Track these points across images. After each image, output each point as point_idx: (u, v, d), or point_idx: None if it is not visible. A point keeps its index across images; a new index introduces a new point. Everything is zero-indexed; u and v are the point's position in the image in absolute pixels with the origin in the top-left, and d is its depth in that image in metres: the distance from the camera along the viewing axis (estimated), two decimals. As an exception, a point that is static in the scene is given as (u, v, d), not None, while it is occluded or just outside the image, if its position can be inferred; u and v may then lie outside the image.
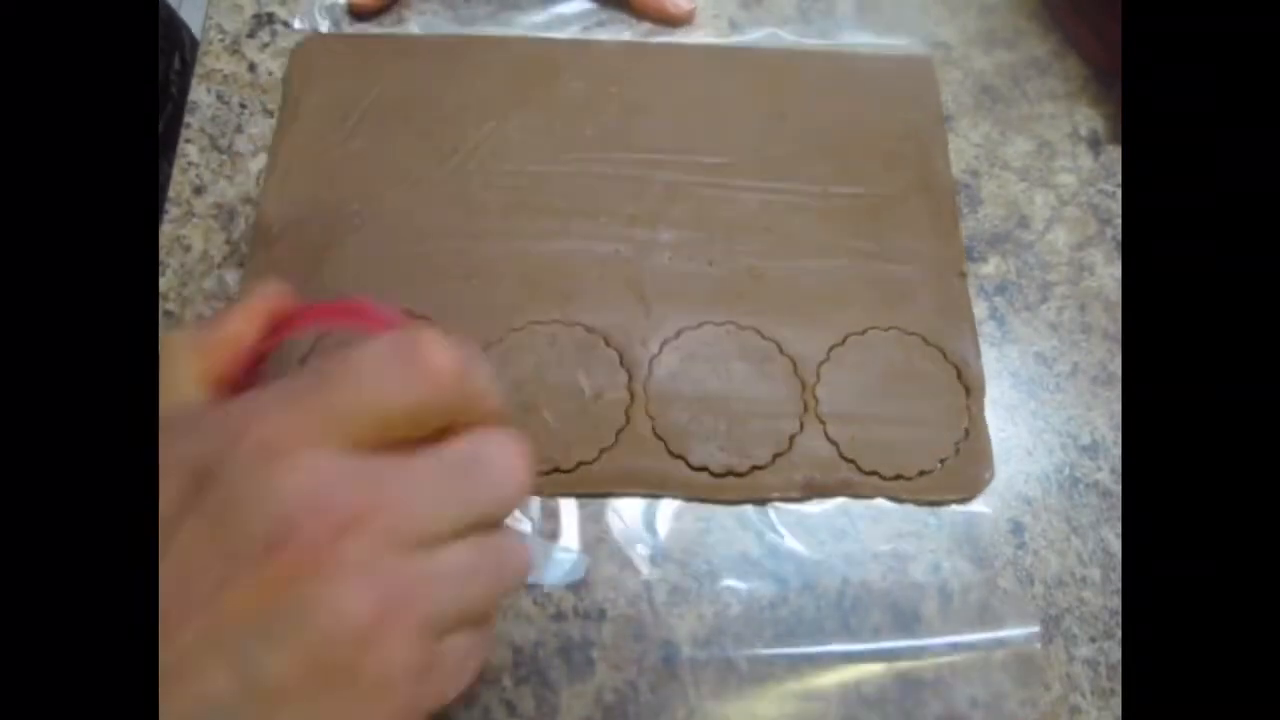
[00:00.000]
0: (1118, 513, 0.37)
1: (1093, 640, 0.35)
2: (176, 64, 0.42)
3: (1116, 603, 0.35)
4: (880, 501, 0.37)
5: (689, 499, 0.36)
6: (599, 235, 0.41)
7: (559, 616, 0.34)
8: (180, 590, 0.19)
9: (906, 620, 0.35)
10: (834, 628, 0.35)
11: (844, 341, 0.39)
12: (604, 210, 0.41)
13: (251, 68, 0.44)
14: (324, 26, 0.46)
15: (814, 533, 0.36)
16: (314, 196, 0.41)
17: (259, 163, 0.42)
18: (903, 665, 0.34)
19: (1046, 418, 0.39)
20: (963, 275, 0.41)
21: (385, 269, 0.39)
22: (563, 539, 0.35)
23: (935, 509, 0.37)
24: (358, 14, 0.45)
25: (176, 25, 0.43)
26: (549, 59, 0.45)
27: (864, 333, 0.39)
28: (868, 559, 0.36)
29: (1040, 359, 0.40)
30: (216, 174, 0.41)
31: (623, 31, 0.46)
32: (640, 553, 0.35)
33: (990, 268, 0.41)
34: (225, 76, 0.44)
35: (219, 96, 0.43)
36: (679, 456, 0.37)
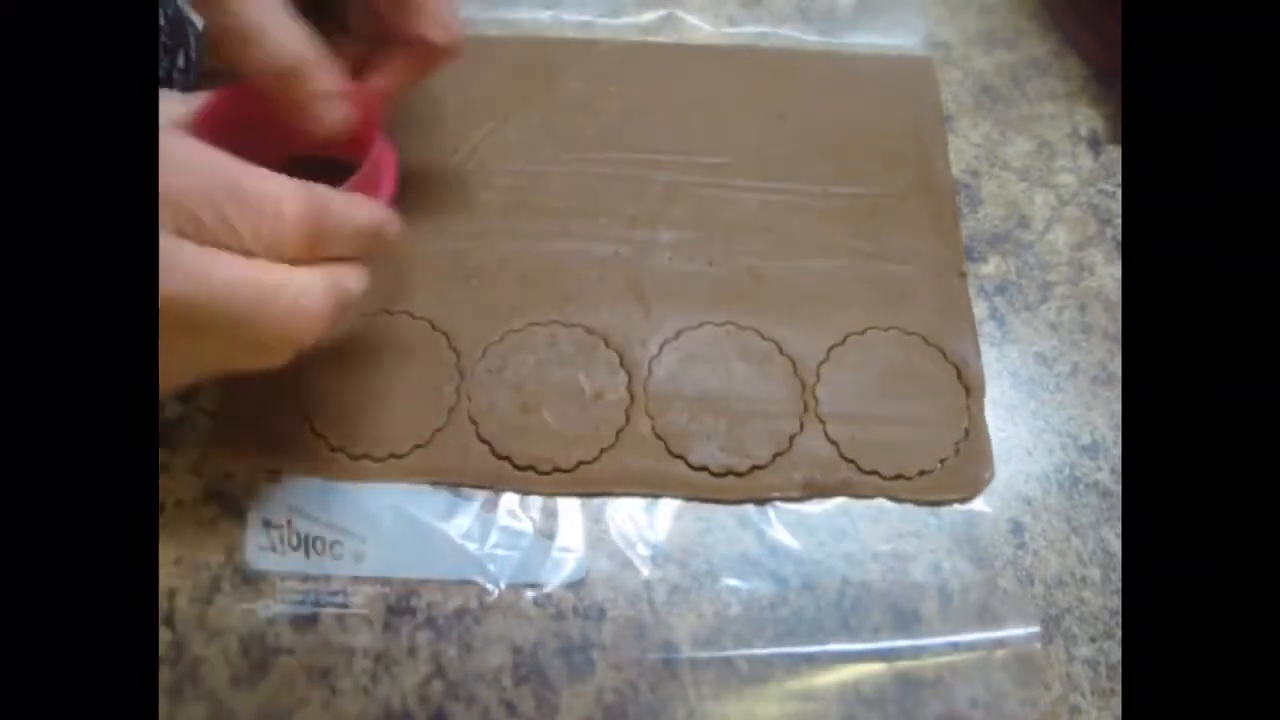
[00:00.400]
0: (1118, 513, 0.37)
1: (1093, 640, 0.35)
2: (181, 61, 0.42)
3: (1116, 603, 0.35)
4: (880, 501, 0.37)
5: (689, 499, 0.36)
6: (599, 235, 0.41)
7: (559, 616, 0.34)
8: None
9: (906, 620, 0.35)
10: (834, 627, 0.35)
11: (844, 341, 0.39)
12: (604, 210, 0.41)
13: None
14: (324, 26, 0.46)
15: (814, 532, 0.36)
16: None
17: (259, 163, 0.42)
18: (902, 665, 0.34)
19: (1046, 418, 0.39)
20: (963, 275, 0.41)
21: None
22: (563, 539, 0.35)
23: (935, 509, 0.37)
24: None
25: (183, 23, 0.43)
26: (549, 59, 0.45)
27: (864, 333, 0.39)
28: (868, 559, 0.36)
29: (1040, 359, 0.40)
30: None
31: (623, 31, 0.46)
32: (640, 553, 0.35)
33: (990, 268, 0.41)
34: (230, 76, 0.44)
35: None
36: (679, 456, 0.37)
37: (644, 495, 0.36)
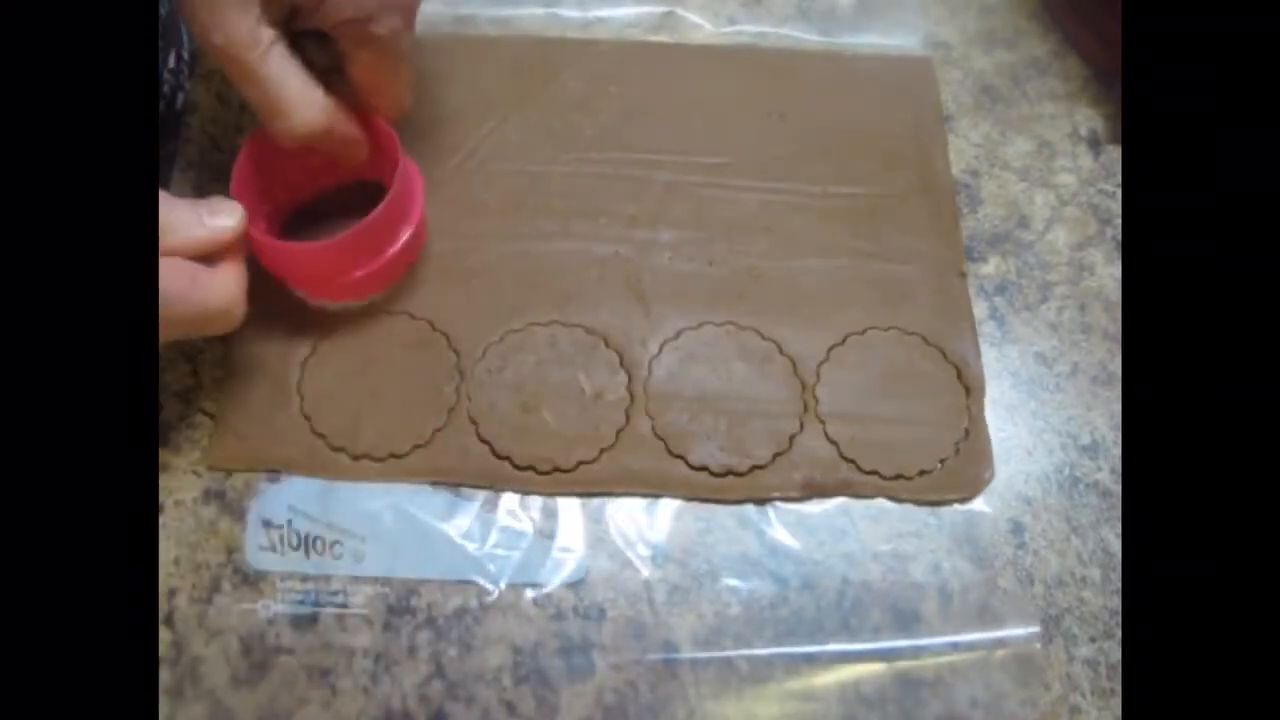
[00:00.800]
0: (1118, 513, 0.37)
1: (1093, 640, 0.35)
2: (171, 62, 0.42)
3: (1116, 603, 0.35)
4: (880, 501, 0.37)
5: (689, 499, 0.36)
6: (599, 235, 0.41)
7: (559, 616, 0.34)
8: None
9: (906, 620, 0.35)
10: (834, 627, 0.35)
11: (844, 341, 0.39)
12: (604, 210, 0.41)
13: (251, 68, 0.44)
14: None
15: (814, 533, 0.36)
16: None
17: (259, 163, 0.42)
18: (902, 665, 0.34)
19: (1046, 418, 0.39)
20: (963, 275, 0.41)
21: None
22: (563, 539, 0.35)
23: (935, 509, 0.37)
24: None
25: (175, 23, 0.43)
26: (549, 59, 0.45)
27: (864, 333, 0.39)
28: (868, 559, 0.36)
29: (1040, 359, 0.40)
30: (217, 174, 0.41)
31: (622, 31, 0.46)
32: (640, 553, 0.35)
33: (990, 268, 0.41)
34: (225, 77, 0.44)
35: (219, 97, 0.43)
36: (679, 456, 0.37)
37: (644, 495, 0.36)
